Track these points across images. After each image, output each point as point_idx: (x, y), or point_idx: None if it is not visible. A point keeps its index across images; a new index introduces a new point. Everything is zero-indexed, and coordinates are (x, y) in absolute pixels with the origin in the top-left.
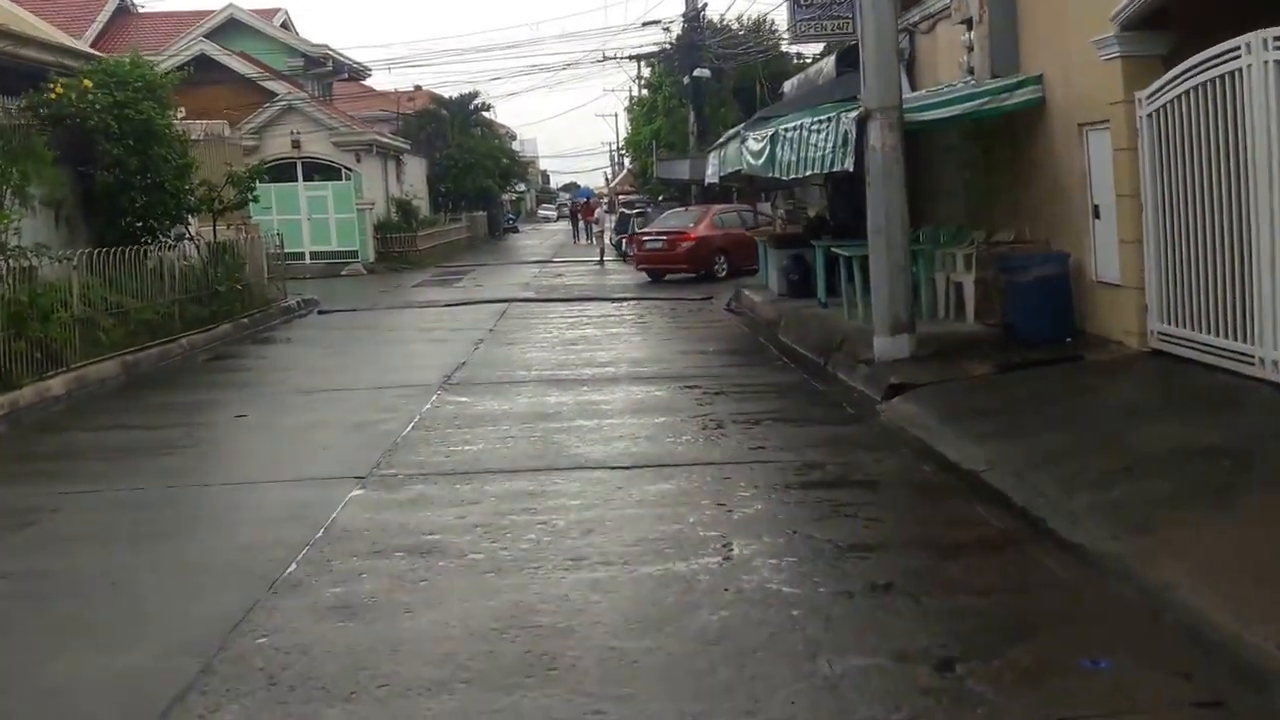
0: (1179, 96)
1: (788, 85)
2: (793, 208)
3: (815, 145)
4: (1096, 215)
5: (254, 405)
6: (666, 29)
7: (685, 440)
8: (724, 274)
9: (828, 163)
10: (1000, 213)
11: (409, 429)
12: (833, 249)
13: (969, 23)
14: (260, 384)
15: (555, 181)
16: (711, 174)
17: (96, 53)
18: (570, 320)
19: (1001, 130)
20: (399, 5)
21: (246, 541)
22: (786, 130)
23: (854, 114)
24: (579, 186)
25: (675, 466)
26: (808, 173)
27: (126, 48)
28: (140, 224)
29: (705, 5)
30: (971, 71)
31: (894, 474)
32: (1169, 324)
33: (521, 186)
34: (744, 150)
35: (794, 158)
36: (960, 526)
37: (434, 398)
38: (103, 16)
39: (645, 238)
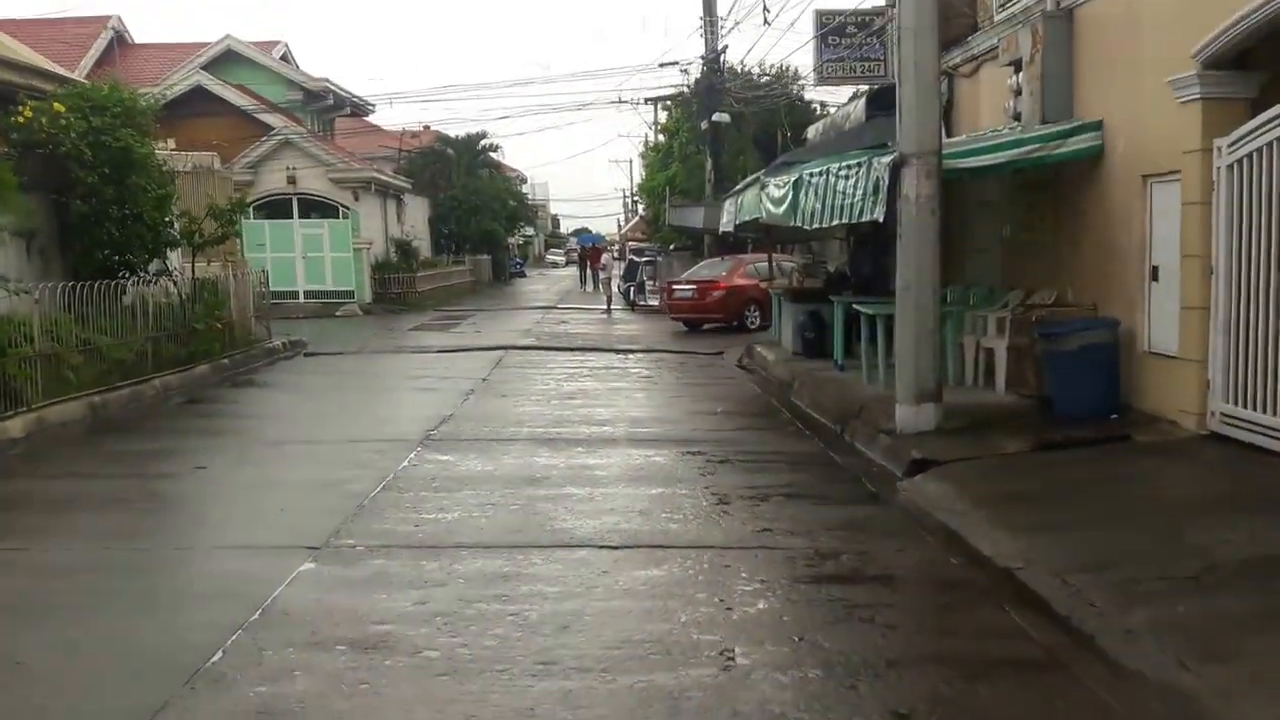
0: (1266, 145)
1: (812, 130)
2: (811, 260)
3: (843, 193)
4: (1155, 278)
5: (218, 456)
6: (685, 71)
7: (684, 517)
8: (755, 325)
9: (856, 212)
10: (1040, 272)
11: (379, 490)
12: (854, 306)
13: (1017, 64)
14: (229, 432)
15: (566, 226)
16: (726, 222)
17: (71, 76)
18: (570, 371)
19: (1048, 181)
20: (406, 40)
21: (172, 621)
22: (811, 176)
23: (887, 159)
24: (590, 232)
25: (670, 549)
26: (833, 222)
27: (124, 79)
28: (118, 257)
29: (726, 48)
30: (1018, 117)
31: (917, 568)
32: (1234, 404)
33: (530, 230)
34: (763, 197)
35: (819, 206)
36: (994, 639)
37: (412, 454)
38: (99, 45)
39: (676, 286)
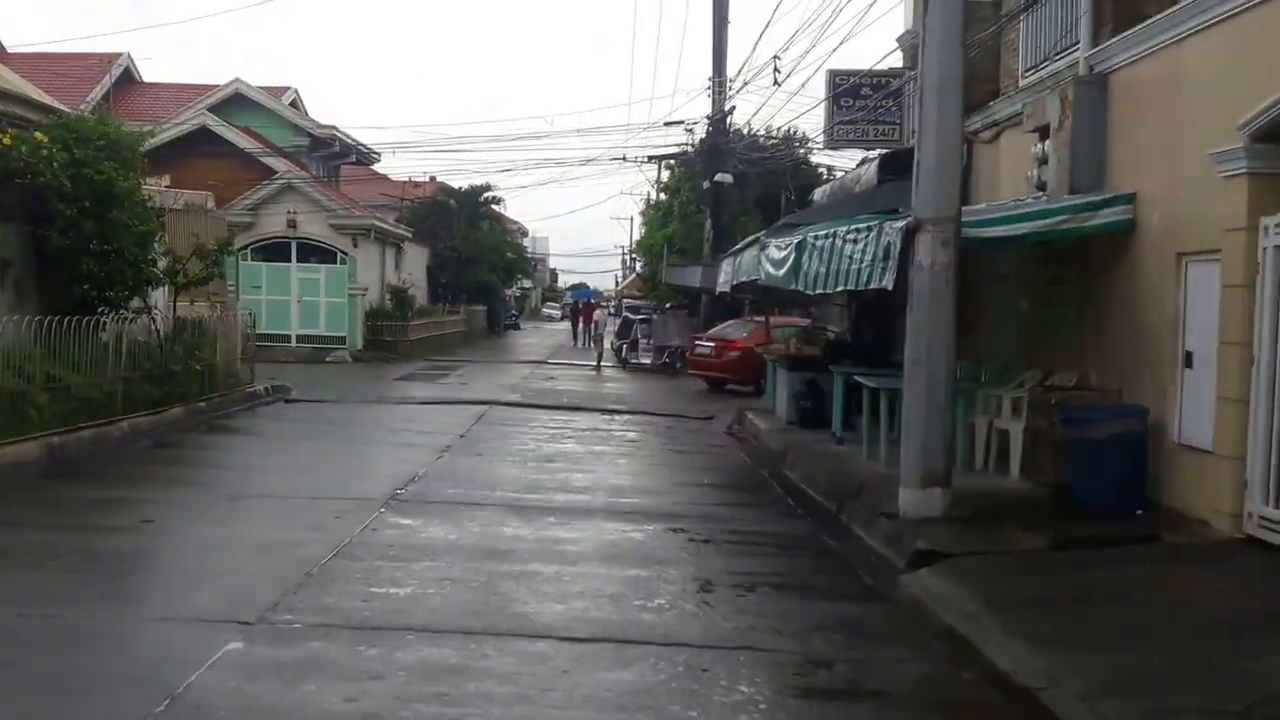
0: None
1: (819, 192)
2: (810, 326)
3: (850, 257)
4: (1188, 364)
5: (170, 508)
6: (690, 130)
7: (659, 606)
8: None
9: (863, 278)
10: (1061, 351)
11: (330, 557)
12: (855, 378)
13: (1044, 131)
14: (189, 482)
15: (565, 280)
16: (724, 282)
17: (58, 105)
18: (552, 431)
19: (1073, 255)
20: (412, 91)
21: (63, 712)
22: (816, 239)
23: (900, 224)
24: (587, 287)
25: (642, 645)
26: (838, 288)
27: (128, 116)
28: (97, 293)
29: (733, 108)
30: (1043, 187)
31: (922, 683)
32: (1275, 507)
33: (528, 283)
34: (763, 258)
35: (822, 270)
36: None
37: (373, 517)
38: (106, 82)
39: (698, 343)
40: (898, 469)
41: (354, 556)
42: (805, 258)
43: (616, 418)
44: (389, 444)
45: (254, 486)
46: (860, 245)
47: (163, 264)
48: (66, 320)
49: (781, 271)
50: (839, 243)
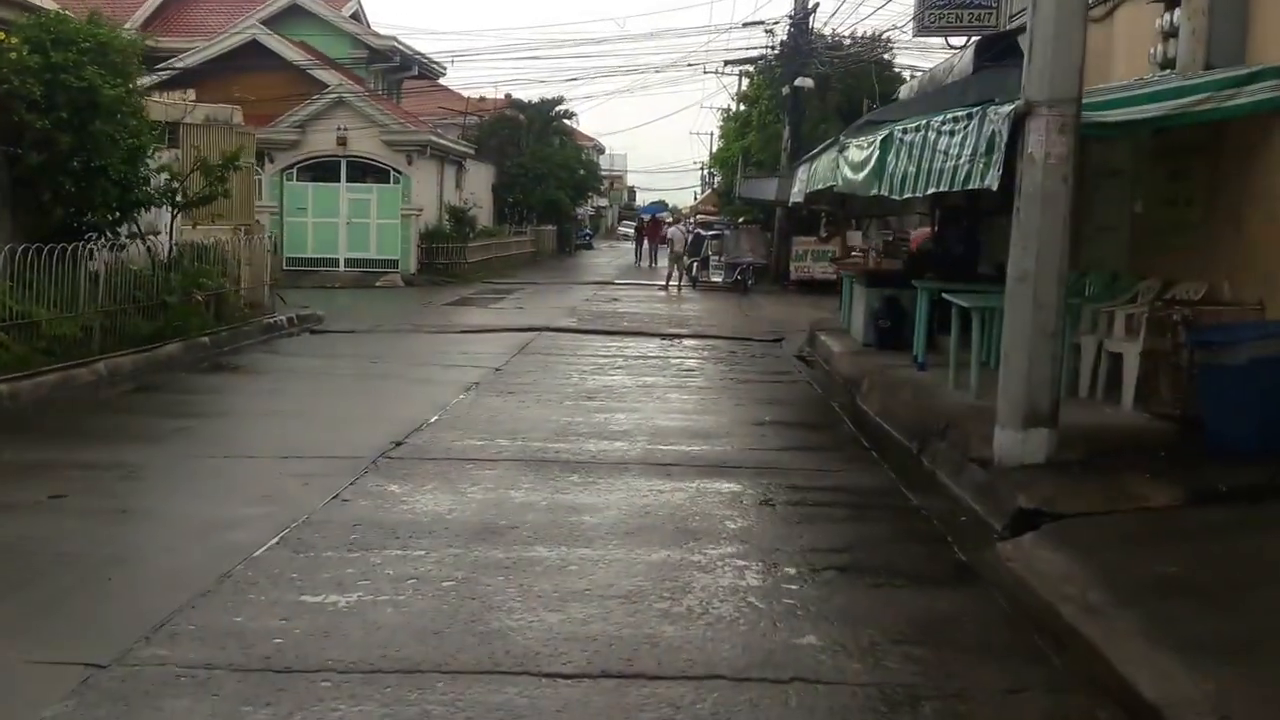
0: None
1: (905, 89)
2: (891, 239)
3: (944, 152)
4: None
5: (95, 476)
6: (770, 31)
7: (688, 611)
8: None
9: (960, 177)
10: (1183, 258)
11: (269, 545)
12: (944, 294)
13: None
14: (147, 437)
15: (644, 198)
16: (796, 192)
17: (39, 4)
18: (601, 361)
19: (1201, 144)
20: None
21: None
22: (904, 133)
23: (1007, 109)
24: (665, 204)
25: (655, 682)
26: (930, 190)
27: (181, 30)
28: (78, 217)
29: (816, 5)
30: (1169, 65)
31: None
32: None
33: (603, 201)
34: (841, 161)
35: (911, 169)
36: None
37: (353, 482)
38: None
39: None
40: (989, 401)
41: (301, 544)
42: (891, 156)
43: (676, 343)
44: (407, 381)
45: (221, 441)
46: (958, 138)
47: (158, 182)
48: (40, 250)
49: (862, 175)
50: (931, 135)
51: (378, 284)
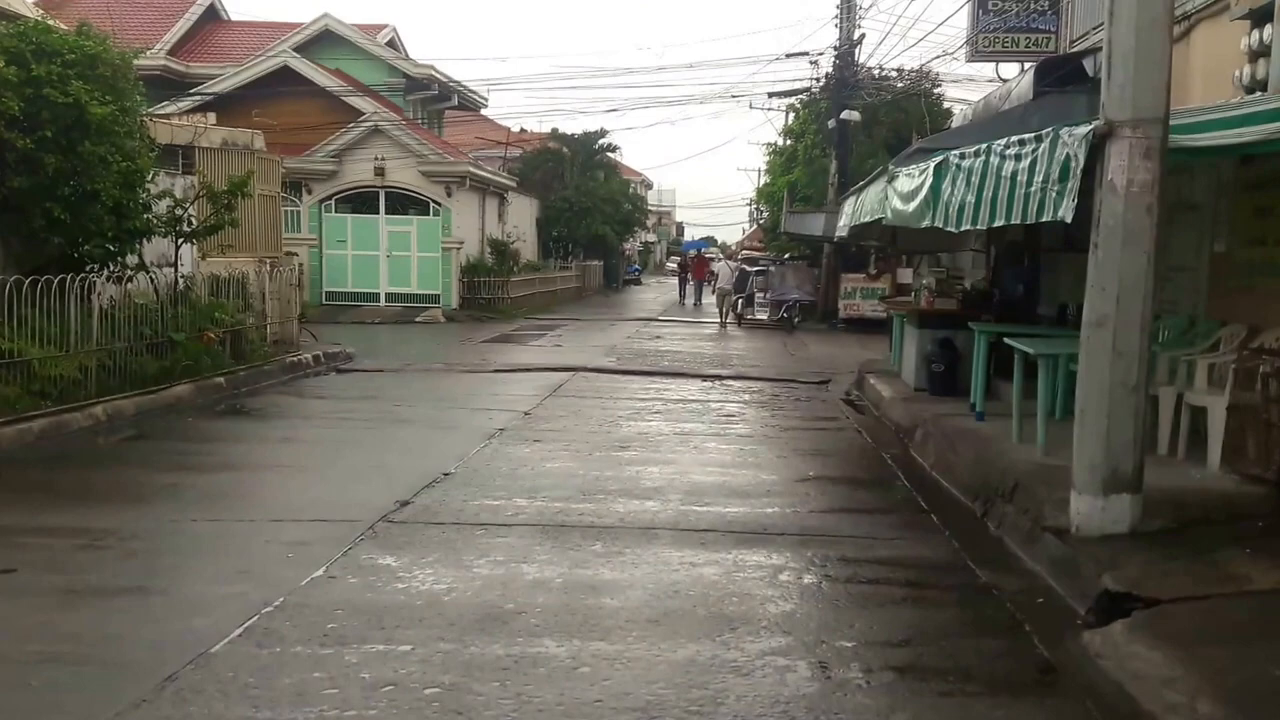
0: None
1: (958, 116)
2: (945, 276)
3: (1011, 180)
4: None
5: (57, 546)
6: (814, 62)
7: None
8: None
9: (1031, 207)
10: (1271, 304)
11: (230, 637)
12: (1005, 339)
13: (1258, 16)
14: (124, 496)
15: (692, 234)
16: (842, 225)
17: (22, 12)
18: (638, 405)
19: None
20: (516, 25)
21: None
22: (961, 158)
23: (1083, 130)
24: (714, 240)
25: None
26: (995, 222)
27: (211, 56)
28: (72, 247)
29: (863, 36)
30: (1257, 87)
31: None
32: None
33: (651, 236)
34: (890, 191)
35: (971, 198)
36: None
37: (345, 553)
38: (192, 14)
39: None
40: (1060, 459)
41: (268, 636)
42: (946, 184)
43: (717, 385)
44: (429, 426)
45: (210, 501)
46: (1025, 163)
47: (159, 210)
48: (43, 281)
49: (913, 205)
50: (994, 160)
51: (418, 319)
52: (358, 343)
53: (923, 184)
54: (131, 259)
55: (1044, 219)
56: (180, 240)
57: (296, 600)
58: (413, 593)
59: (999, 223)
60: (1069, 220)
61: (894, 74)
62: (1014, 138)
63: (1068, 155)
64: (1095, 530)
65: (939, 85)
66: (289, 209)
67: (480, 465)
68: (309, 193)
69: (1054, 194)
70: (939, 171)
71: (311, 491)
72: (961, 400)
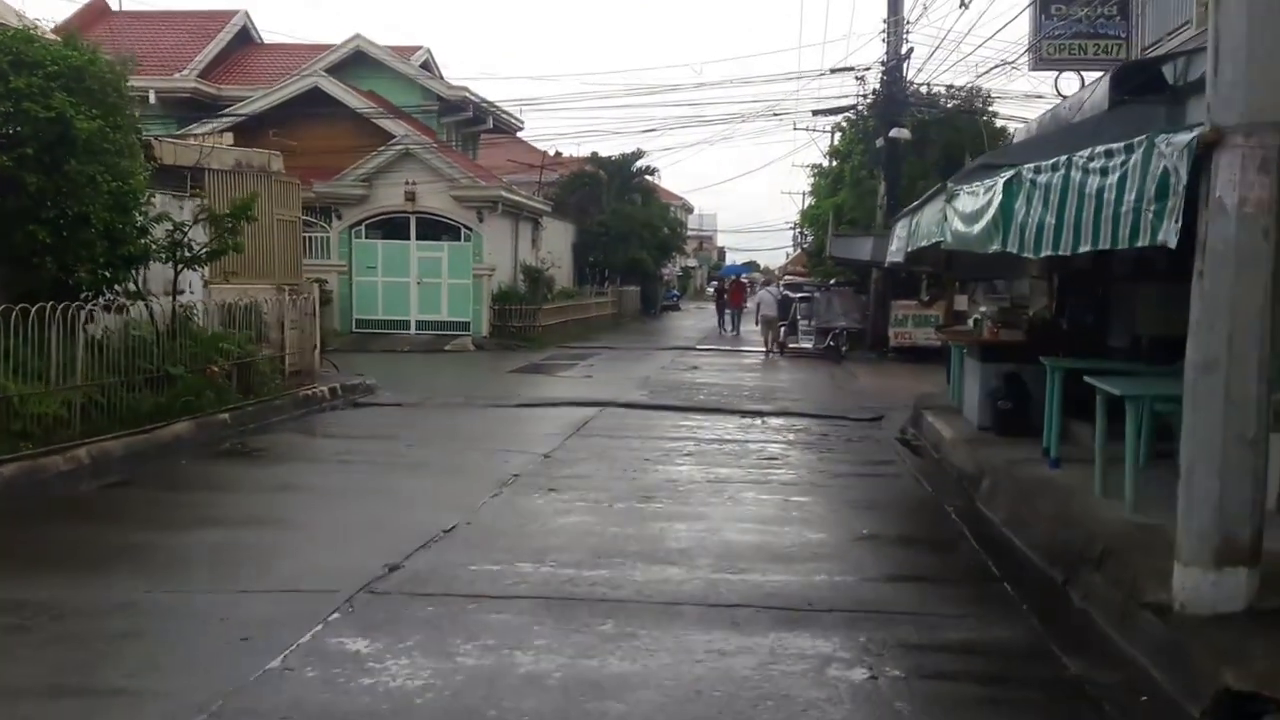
0: None
1: (1022, 130)
2: (1009, 304)
3: (1098, 198)
4: None
5: None
6: (860, 78)
7: None
8: None
9: (1125, 231)
10: None
11: None
12: (1086, 377)
13: None
14: (78, 560)
15: (734, 259)
16: (895, 250)
17: (9, 20)
18: (668, 446)
19: None
20: (552, 46)
21: None
22: (1036, 173)
23: (1184, 138)
24: (756, 265)
25: None
26: (1081, 248)
27: (242, 78)
28: (60, 273)
29: (911, 50)
30: None
31: None
32: None
33: (691, 261)
34: (950, 211)
35: (1050, 220)
36: None
37: (311, 635)
38: (224, 37)
39: None
40: (1153, 517)
41: None
42: (1019, 202)
43: (757, 422)
44: (438, 471)
45: (173, 568)
46: (1113, 177)
47: (156, 233)
48: (19, 309)
49: (977, 227)
50: (1076, 176)
51: (447, 348)
52: (382, 373)
53: (990, 203)
54: (138, 286)
55: (1140, 244)
56: (180, 266)
57: (238, 705)
58: (379, 692)
59: (1084, 248)
60: (1172, 245)
61: (943, 90)
62: (1099, 148)
63: (1165, 169)
64: (1205, 608)
65: (991, 103)
66: (318, 234)
67: (487, 520)
68: (339, 218)
69: (1150, 214)
70: (1010, 189)
71: (293, 554)
72: (1032, 442)
